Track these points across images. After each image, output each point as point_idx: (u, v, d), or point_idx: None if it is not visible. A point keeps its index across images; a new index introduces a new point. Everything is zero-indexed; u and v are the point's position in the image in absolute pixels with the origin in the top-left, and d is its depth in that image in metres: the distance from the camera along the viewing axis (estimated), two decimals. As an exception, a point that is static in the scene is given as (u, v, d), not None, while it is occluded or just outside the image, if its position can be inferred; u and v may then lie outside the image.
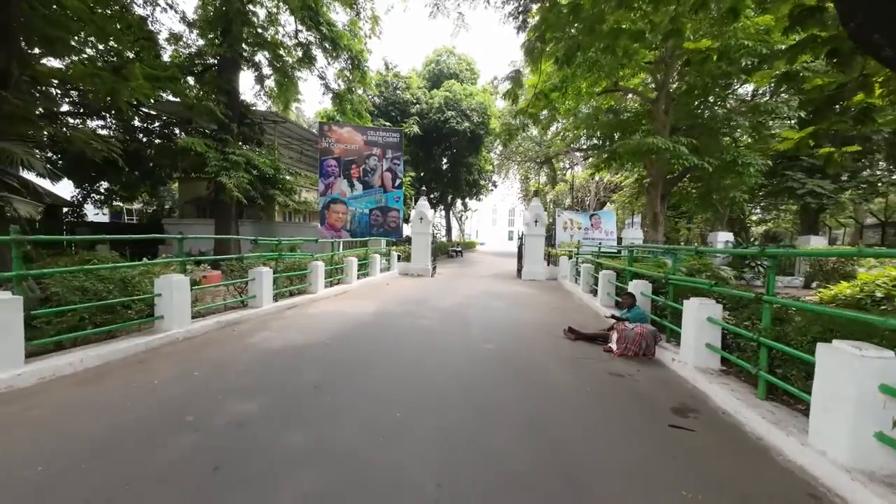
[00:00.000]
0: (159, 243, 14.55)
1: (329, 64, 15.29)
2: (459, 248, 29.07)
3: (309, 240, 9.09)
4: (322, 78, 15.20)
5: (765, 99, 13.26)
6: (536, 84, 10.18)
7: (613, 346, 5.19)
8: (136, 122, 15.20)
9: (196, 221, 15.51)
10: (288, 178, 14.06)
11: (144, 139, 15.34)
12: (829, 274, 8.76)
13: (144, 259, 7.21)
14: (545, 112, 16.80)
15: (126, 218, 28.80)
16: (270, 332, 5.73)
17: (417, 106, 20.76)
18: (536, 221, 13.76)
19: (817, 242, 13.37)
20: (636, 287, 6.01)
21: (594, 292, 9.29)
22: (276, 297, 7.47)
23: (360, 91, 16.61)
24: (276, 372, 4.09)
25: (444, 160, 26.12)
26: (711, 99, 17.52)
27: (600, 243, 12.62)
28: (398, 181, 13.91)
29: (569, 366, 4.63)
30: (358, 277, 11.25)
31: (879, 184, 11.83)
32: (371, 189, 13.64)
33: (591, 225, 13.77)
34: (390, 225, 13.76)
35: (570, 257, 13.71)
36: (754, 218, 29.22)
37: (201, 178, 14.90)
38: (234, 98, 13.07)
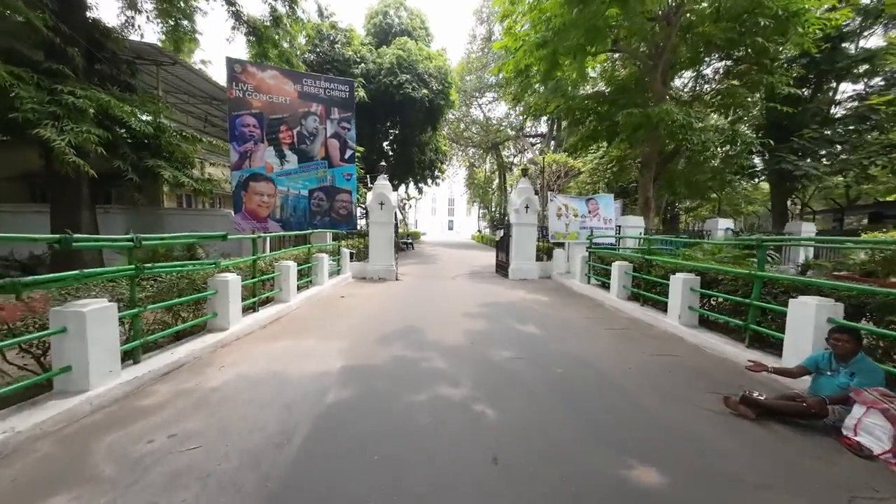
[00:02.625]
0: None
1: (240, -16, 10.80)
2: (410, 240, 25.79)
3: (211, 236, 5.20)
4: (231, 3, 10.67)
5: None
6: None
7: (869, 441, 2.60)
8: None
9: (20, 208, 10.09)
10: (180, 143, 9.47)
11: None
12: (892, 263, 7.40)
13: None
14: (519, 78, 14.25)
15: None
16: (82, 497, 2.11)
17: (362, 65, 16.72)
18: (527, 207, 11.12)
19: (808, 229, 12.79)
20: (819, 310, 3.51)
21: (638, 300, 6.88)
22: (133, 355, 3.69)
23: (290, 35, 12.32)
24: None
25: (391, 137, 22.33)
26: (689, 73, 16.45)
27: (652, 232, 10.44)
28: (349, 152, 10.20)
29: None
30: (299, 289, 7.56)
31: (874, 166, 11.35)
32: (311, 162, 9.76)
33: (589, 211, 11.60)
34: (339, 212, 10.07)
35: (566, 249, 11.39)
36: (682, 206, 30.33)
37: (31, 141, 9.59)
38: (74, 10, 8.17)
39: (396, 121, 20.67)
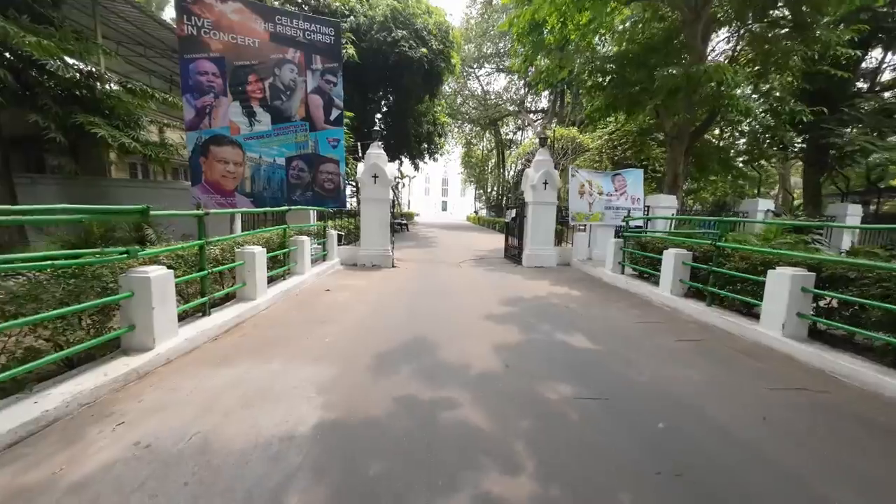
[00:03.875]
0: None
1: None
2: (405, 221, 24.13)
3: (112, 211, 3.40)
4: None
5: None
6: None
7: None
8: None
9: (23, 179, 8.09)
10: (121, 96, 7.54)
11: None
12: None
13: None
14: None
15: None
16: None
17: (352, 18, 14.53)
18: (546, 183, 9.52)
19: (854, 211, 11.48)
20: None
21: (702, 297, 5.43)
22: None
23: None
24: None
25: (384, 109, 20.23)
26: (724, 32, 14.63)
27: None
28: (336, 112, 8.40)
29: None
30: (272, 281, 5.98)
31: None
32: (288, 123, 7.96)
33: (616, 189, 10.05)
34: (324, 186, 8.37)
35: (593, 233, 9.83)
36: (684, 187, 28.98)
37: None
38: None
39: (389, 90, 18.58)
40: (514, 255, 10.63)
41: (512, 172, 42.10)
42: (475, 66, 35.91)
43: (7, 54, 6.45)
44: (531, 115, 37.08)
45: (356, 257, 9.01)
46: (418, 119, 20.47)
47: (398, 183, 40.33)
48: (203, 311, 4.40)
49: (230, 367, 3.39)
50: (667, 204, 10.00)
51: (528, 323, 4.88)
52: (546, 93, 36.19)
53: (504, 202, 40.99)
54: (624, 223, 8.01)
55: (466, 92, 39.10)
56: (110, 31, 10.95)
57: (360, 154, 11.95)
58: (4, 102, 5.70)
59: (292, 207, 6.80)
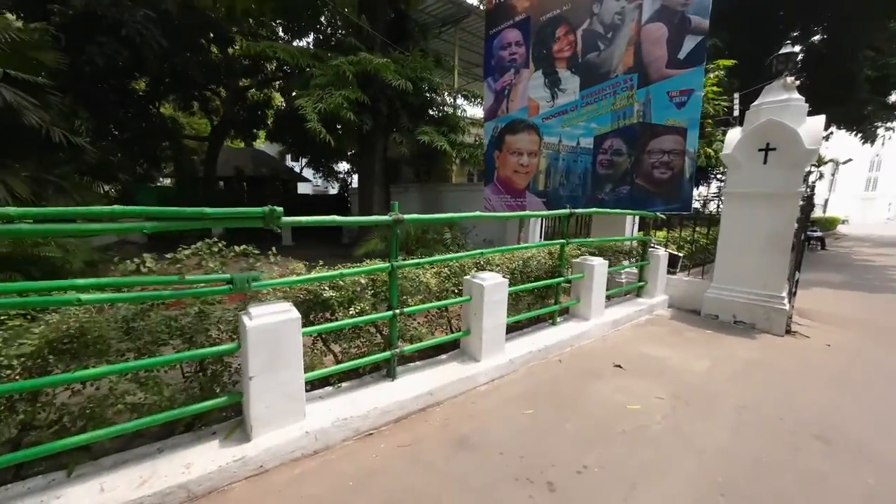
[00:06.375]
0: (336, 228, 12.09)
1: None
2: (818, 233, 14.52)
3: (240, 215, 2.14)
4: None
5: None
6: None
7: None
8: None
9: (398, 188, 11.50)
10: (448, 100, 7.80)
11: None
12: None
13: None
14: None
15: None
16: None
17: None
18: None
19: None
20: None
21: None
22: None
23: None
24: None
25: (802, 47, 12.36)
26: None
27: None
28: (692, 42, 4.69)
29: None
30: (523, 328, 3.78)
31: None
32: (603, 83, 5.19)
33: None
34: (653, 175, 4.99)
35: None
36: None
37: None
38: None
39: (810, 17, 10.90)
40: None
41: None
42: None
43: (380, 87, 7.90)
44: None
45: (699, 299, 5.00)
46: (879, 48, 11.10)
47: (809, 172, 26.20)
48: (388, 370, 2.85)
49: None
50: None
51: None
52: None
53: None
54: None
55: None
56: (474, 56, 12.42)
57: (738, 117, 7.13)
58: (368, 123, 6.84)
59: (576, 210, 4.14)
